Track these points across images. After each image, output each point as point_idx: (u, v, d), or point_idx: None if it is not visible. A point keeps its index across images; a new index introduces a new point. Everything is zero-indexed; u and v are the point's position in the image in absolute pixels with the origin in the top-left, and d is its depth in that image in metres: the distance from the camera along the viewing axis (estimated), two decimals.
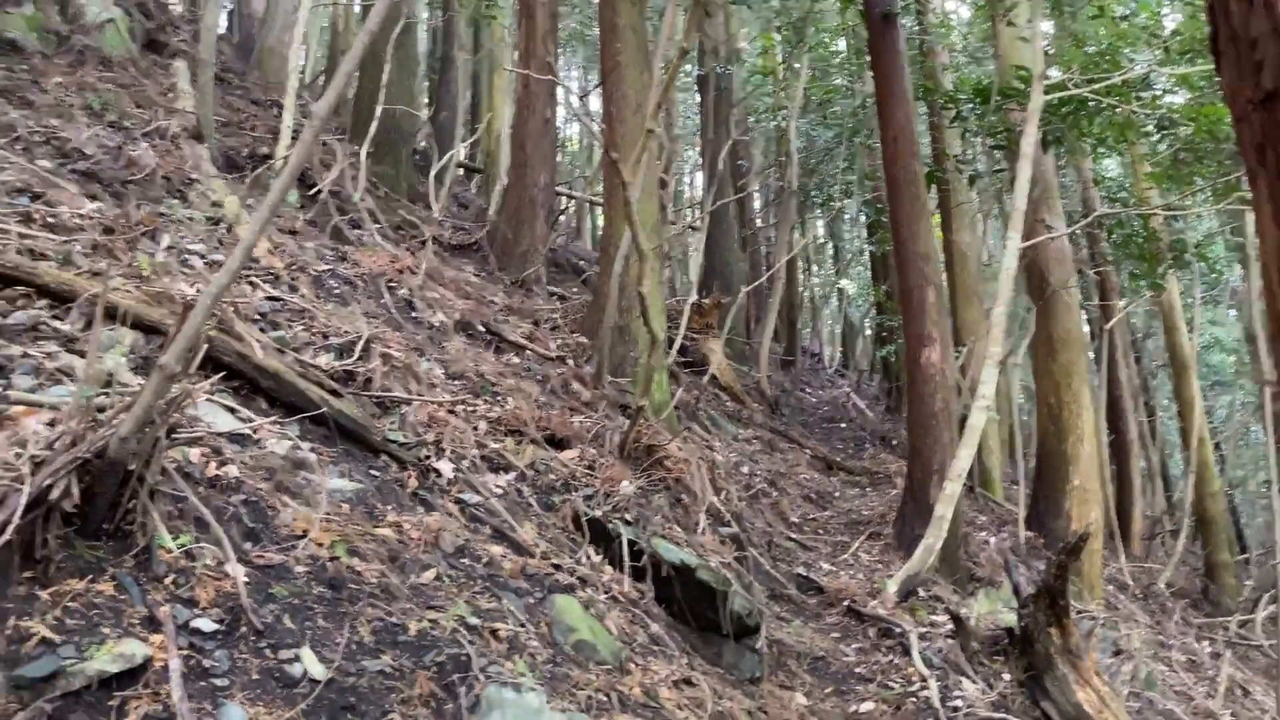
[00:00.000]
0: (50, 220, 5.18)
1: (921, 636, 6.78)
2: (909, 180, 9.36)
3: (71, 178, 6.15)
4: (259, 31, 15.21)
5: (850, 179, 18.48)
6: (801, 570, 8.03)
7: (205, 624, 3.01)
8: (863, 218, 22.16)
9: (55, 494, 2.83)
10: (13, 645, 2.61)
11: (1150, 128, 11.71)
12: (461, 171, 16.44)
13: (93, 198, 5.94)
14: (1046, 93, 9.06)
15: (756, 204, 22.52)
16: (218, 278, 3.10)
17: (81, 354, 3.99)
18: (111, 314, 4.08)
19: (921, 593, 7.70)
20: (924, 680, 6.12)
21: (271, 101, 12.08)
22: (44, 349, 3.96)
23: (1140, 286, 14.28)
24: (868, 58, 11.62)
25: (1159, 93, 11.52)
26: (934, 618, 7.31)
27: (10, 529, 2.70)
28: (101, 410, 3.11)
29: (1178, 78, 10.77)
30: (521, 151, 11.32)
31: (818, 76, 17.61)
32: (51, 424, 3.22)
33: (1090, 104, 9.92)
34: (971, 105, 11.24)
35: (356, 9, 16.95)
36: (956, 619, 6.79)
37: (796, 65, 16.26)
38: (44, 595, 2.79)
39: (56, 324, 4.21)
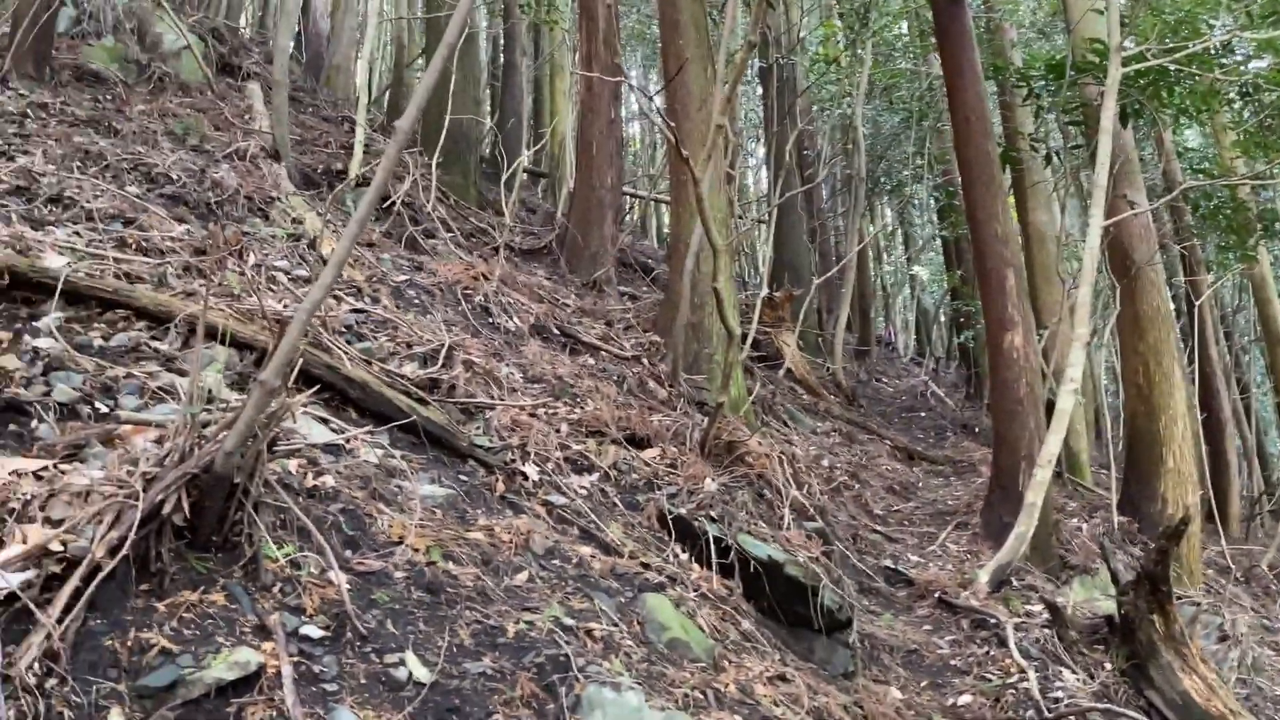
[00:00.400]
0: (143, 244, 5.37)
1: (1017, 627, 6.62)
2: (983, 162, 9.16)
3: (160, 202, 6.36)
4: (326, 50, 15.53)
5: (919, 163, 18.18)
6: (889, 563, 7.92)
7: (313, 631, 3.09)
8: (933, 202, 21.77)
9: (167, 508, 2.93)
10: (134, 656, 2.71)
11: (1233, 95, 11.29)
12: (526, 176, 16.60)
13: (181, 220, 6.14)
14: (1124, 64, 8.79)
15: (824, 194, 22.28)
16: (311, 293, 3.17)
17: (181, 372, 4.13)
18: (209, 333, 4.21)
19: (1014, 582, 7.54)
20: (1022, 671, 5.98)
21: (342, 118, 12.33)
22: (146, 369, 4.10)
23: (1229, 260, 13.79)
24: (933, 39, 11.41)
25: (1242, 59, 11.10)
26: (1029, 607, 7.14)
27: (128, 544, 2.80)
28: (206, 426, 3.21)
29: (1262, 42, 10.35)
30: (587, 153, 11.37)
31: (882, 61, 17.36)
32: (159, 441, 3.33)
33: (1171, 74, 9.59)
34: (1045, 82, 10.96)
35: (418, 23, 17.19)
36: (1053, 608, 6.63)
37: (860, 51, 16.05)
38: (160, 607, 2.89)
39: (156, 344, 4.36)
